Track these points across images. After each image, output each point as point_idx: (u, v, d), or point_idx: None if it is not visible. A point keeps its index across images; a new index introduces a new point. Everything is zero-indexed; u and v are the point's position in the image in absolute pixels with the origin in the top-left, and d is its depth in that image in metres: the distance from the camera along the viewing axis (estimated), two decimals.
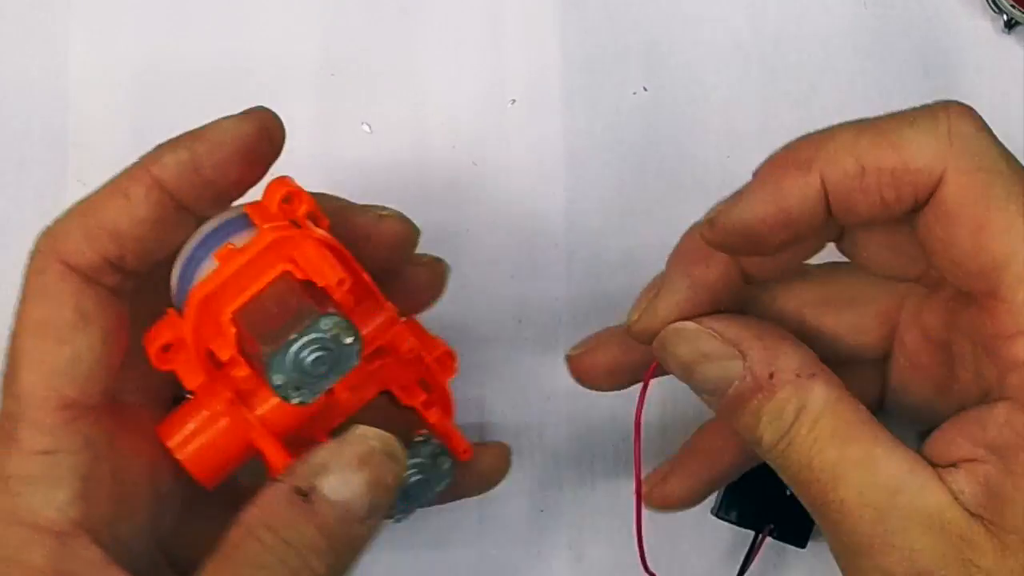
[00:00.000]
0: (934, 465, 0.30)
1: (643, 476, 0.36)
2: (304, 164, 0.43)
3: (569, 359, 0.37)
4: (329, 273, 0.30)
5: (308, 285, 0.31)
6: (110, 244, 0.31)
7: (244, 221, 0.32)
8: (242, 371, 0.31)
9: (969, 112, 0.30)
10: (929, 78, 0.44)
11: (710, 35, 0.45)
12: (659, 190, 0.43)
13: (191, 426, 0.32)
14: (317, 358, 0.29)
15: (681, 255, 0.33)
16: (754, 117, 0.44)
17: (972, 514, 0.29)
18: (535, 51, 0.44)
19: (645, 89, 0.44)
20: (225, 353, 0.31)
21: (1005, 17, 0.44)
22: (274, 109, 0.44)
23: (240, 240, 0.31)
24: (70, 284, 0.30)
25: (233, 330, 0.30)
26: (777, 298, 0.35)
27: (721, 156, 0.44)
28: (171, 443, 0.32)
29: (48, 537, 0.29)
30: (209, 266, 0.31)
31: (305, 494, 0.30)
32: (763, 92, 0.44)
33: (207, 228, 0.32)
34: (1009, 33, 0.44)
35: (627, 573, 0.42)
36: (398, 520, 0.34)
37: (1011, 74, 0.44)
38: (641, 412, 0.34)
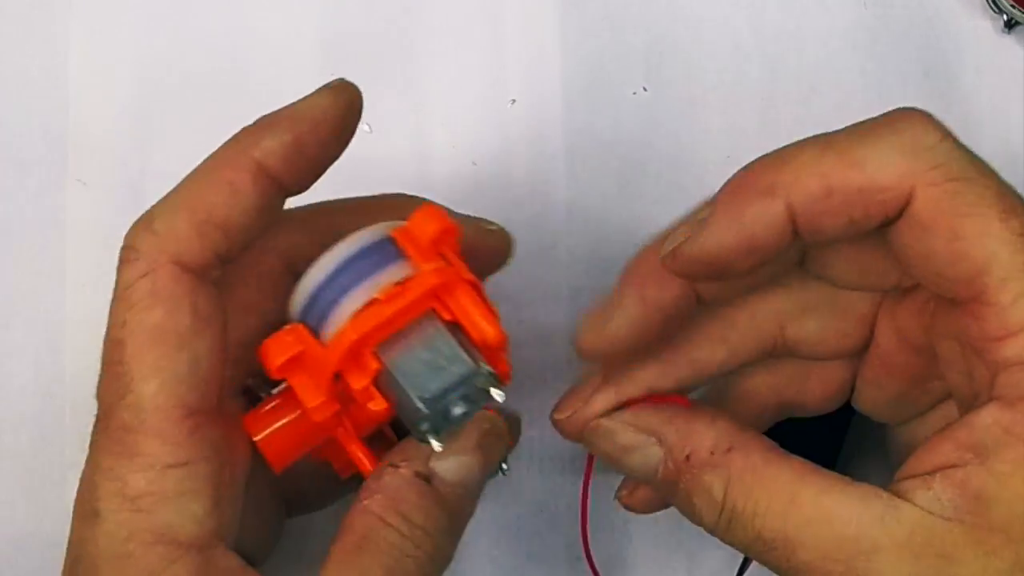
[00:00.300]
0: (915, 476, 0.29)
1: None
2: None
3: (557, 423, 0.35)
4: (486, 329, 0.30)
5: (453, 326, 0.30)
6: (221, 239, 0.29)
7: (394, 250, 0.31)
8: (365, 398, 0.30)
9: (930, 120, 0.30)
10: (929, 78, 0.44)
11: (710, 35, 0.45)
12: (659, 190, 0.44)
13: (273, 415, 0.32)
14: (464, 412, 0.30)
15: (634, 275, 0.33)
16: (754, 117, 0.44)
17: (950, 519, 0.28)
18: (535, 51, 0.44)
19: (645, 89, 0.44)
20: (359, 383, 0.30)
21: (1005, 17, 0.44)
22: (274, 109, 0.44)
23: (394, 273, 0.30)
24: (184, 285, 0.29)
25: (375, 365, 0.30)
26: (756, 310, 0.34)
27: (721, 156, 0.44)
28: (254, 430, 0.31)
29: (191, 553, 0.28)
30: (359, 295, 0.30)
31: (427, 478, 0.30)
32: (763, 92, 0.44)
33: (351, 249, 0.31)
34: (1009, 33, 0.44)
35: (627, 573, 0.42)
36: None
37: (1011, 74, 0.44)
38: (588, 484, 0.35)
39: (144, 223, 0.30)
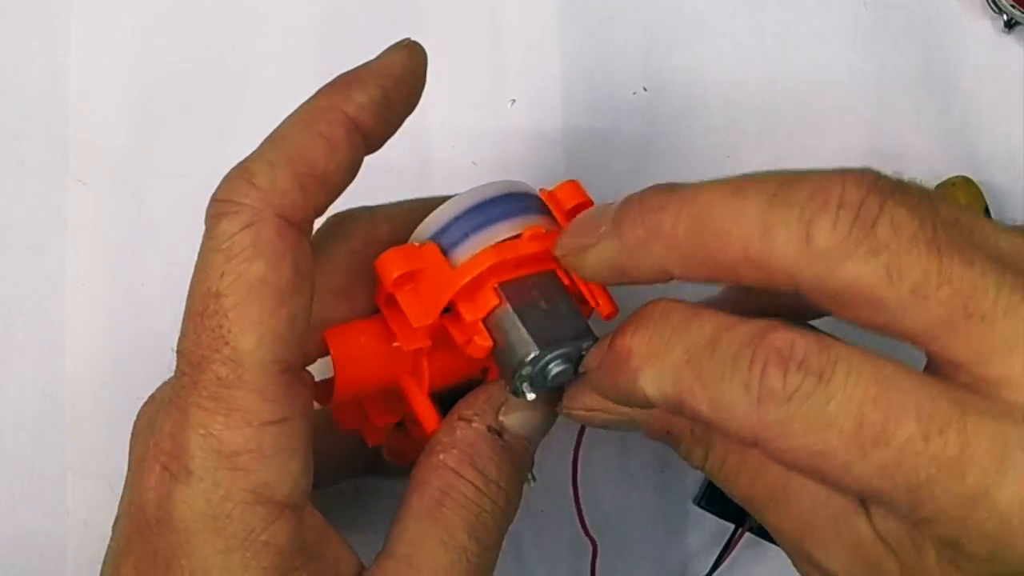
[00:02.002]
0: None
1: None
2: None
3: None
4: (604, 300, 0.31)
5: (570, 291, 0.31)
6: (321, 194, 0.29)
7: (540, 204, 0.32)
8: (464, 335, 0.30)
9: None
10: (929, 78, 0.44)
11: (710, 35, 0.45)
12: None
13: (355, 336, 0.31)
14: (561, 371, 0.30)
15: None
16: (754, 117, 0.44)
17: (887, 544, 0.28)
18: (535, 51, 0.44)
19: (645, 89, 0.44)
20: (473, 315, 0.30)
21: (1005, 17, 0.44)
22: (273, 109, 0.44)
23: (539, 222, 0.31)
24: (287, 240, 0.28)
25: (494, 301, 0.30)
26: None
27: (721, 156, 0.44)
28: (332, 339, 0.31)
29: (289, 513, 0.28)
30: (504, 228, 0.30)
31: (499, 432, 0.31)
32: (763, 92, 0.44)
33: (503, 188, 0.32)
34: (1009, 33, 0.44)
35: (628, 572, 0.42)
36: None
37: (1011, 74, 0.44)
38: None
39: (241, 176, 0.29)
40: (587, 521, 0.36)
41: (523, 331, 0.30)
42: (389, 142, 0.44)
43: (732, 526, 0.40)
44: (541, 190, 0.32)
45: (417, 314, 0.30)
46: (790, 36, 0.45)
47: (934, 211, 0.25)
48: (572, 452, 0.35)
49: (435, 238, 0.31)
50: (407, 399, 0.32)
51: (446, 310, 0.30)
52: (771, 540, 0.40)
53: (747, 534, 0.40)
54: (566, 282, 0.31)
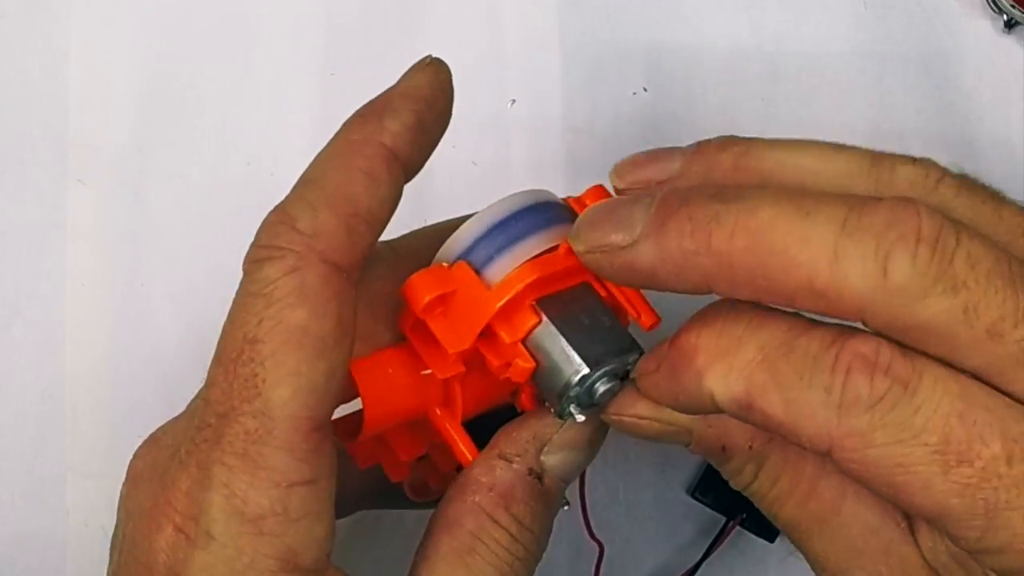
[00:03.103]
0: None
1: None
2: (304, 164, 0.44)
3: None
4: (644, 311, 0.29)
5: (608, 303, 0.29)
6: (367, 235, 0.27)
7: (570, 213, 0.30)
8: (502, 358, 0.29)
9: None
10: (929, 78, 0.44)
11: (710, 35, 0.45)
12: None
13: (383, 368, 0.29)
14: (608, 390, 0.29)
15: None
16: (754, 117, 0.44)
17: (936, 573, 0.28)
18: (535, 51, 0.44)
19: (645, 89, 0.44)
20: (513, 336, 0.28)
21: (1005, 17, 0.44)
22: (274, 109, 0.44)
23: (566, 232, 0.29)
24: (332, 287, 0.26)
25: (533, 320, 0.28)
26: None
27: None
28: (360, 374, 0.29)
29: None
30: (536, 243, 0.29)
31: (539, 476, 0.29)
32: (763, 92, 0.44)
33: (530, 199, 0.30)
34: (1009, 33, 0.44)
35: (627, 571, 0.42)
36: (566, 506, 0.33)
37: (1011, 74, 0.44)
38: None
39: (281, 221, 0.27)
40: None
41: (569, 350, 0.28)
42: None
43: (723, 519, 0.41)
44: (567, 198, 0.31)
45: (451, 340, 0.28)
46: (790, 36, 0.45)
47: (1008, 246, 0.25)
48: None
49: (465, 256, 0.29)
50: (438, 430, 0.30)
51: (481, 333, 0.29)
52: (760, 535, 0.41)
53: (737, 528, 0.40)
54: (603, 294, 0.29)
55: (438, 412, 0.30)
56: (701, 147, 0.29)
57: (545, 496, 0.29)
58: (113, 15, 0.44)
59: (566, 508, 0.32)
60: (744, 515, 0.40)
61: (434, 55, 0.30)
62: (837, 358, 0.24)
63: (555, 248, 0.29)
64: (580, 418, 0.29)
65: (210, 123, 0.44)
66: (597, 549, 0.35)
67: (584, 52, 0.44)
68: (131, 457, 0.29)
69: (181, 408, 0.43)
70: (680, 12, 0.45)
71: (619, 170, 0.31)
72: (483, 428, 0.31)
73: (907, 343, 0.25)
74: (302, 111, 0.44)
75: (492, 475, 0.29)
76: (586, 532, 0.35)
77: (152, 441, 0.29)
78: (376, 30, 0.44)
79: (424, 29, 0.45)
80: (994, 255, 0.24)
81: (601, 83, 0.44)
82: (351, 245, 0.27)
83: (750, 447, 0.30)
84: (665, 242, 0.26)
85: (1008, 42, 0.45)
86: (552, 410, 0.29)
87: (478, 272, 0.28)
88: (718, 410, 0.26)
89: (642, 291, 0.30)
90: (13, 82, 0.44)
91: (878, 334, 0.25)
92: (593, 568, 0.36)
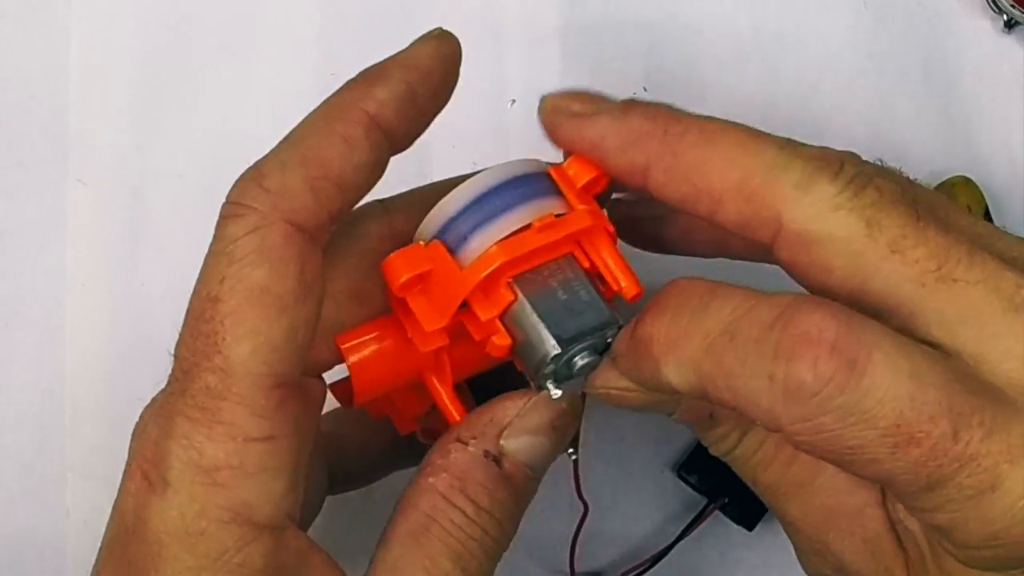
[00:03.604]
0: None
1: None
2: None
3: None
4: (626, 282, 0.29)
5: (590, 274, 0.29)
6: (336, 197, 0.27)
7: (550, 185, 0.30)
8: (481, 332, 0.29)
9: None
10: (929, 78, 0.44)
11: (710, 35, 0.45)
12: None
13: (370, 340, 0.29)
14: (588, 363, 0.29)
15: None
16: (754, 117, 0.44)
17: (897, 539, 0.28)
18: (535, 51, 0.44)
19: (645, 89, 0.44)
20: (488, 313, 0.28)
21: (1005, 17, 0.44)
22: (274, 109, 0.44)
23: (549, 206, 0.29)
24: (294, 247, 0.26)
25: (509, 297, 0.28)
26: None
27: None
28: (346, 346, 0.29)
29: (266, 534, 0.26)
30: (511, 220, 0.29)
31: (497, 459, 0.29)
32: (763, 92, 0.44)
33: (508, 172, 0.29)
34: (1009, 33, 0.44)
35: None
36: (572, 455, 0.33)
37: (1011, 74, 0.44)
38: None
39: (252, 178, 0.27)
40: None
41: (542, 328, 0.28)
42: None
43: (704, 501, 0.41)
44: (550, 166, 0.30)
45: (429, 318, 0.29)
46: (790, 36, 0.45)
47: (915, 190, 0.27)
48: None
49: (440, 236, 0.29)
50: (430, 394, 0.31)
51: (461, 307, 0.29)
52: (742, 523, 0.41)
53: (718, 512, 0.40)
54: (586, 264, 0.29)
55: (429, 376, 0.31)
56: (629, 102, 0.30)
57: (507, 482, 0.29)
58: (113, 15, 0.44)
59: (573, 457, 0.32)
60: (726, 499, 0.40)
61: (444, 28, 0.31)
62: (779, 342, 0.24)
63: (531, 225, 0.29)
64: (556, 393, 0.29)
65: (210, 123, 0.44)
66: (582, 509, 0.34)
67: (584, 52, 0.44)
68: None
69: None
70: (680, 12, 0.45)
71: (550, 115, 0.31)
72: (489, 382, 0.31)
73: (814, 269, 0.26)
74: (302, 111, 0.44)
75: (447, 457, 0.29)
76: (575, 490, 0.34)
77: (151, 402, 0.29)
78: (376, 30, 0.44)
79: (424, 29, 0.45)
80: (901, 188, 0.26)
81: (601, 83, 0.44)
82: (316, 207, 0.27)
83: (738, 416, 0.29)
84: (625, 118, 0.28)
85: (1008, 42, 0.45)
86: (532, 384, 0.29)
87: (453, 252, 0.29)
88: (682, 394, 0.27)
89: (627, 261, 0.30)
90: (13, 82, 0.44)
91: (795, 278, 0.27)
92: (575, 527, 0.35)
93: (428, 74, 0.29)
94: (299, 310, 0.27)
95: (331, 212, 0.27)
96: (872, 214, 0.26)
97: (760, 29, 0.45)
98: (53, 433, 0.42)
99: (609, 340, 0.29)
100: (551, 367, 0.28)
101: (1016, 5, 0.43)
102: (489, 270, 0.28)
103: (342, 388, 0.31)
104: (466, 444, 0.29)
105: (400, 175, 0.43)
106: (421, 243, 0.29)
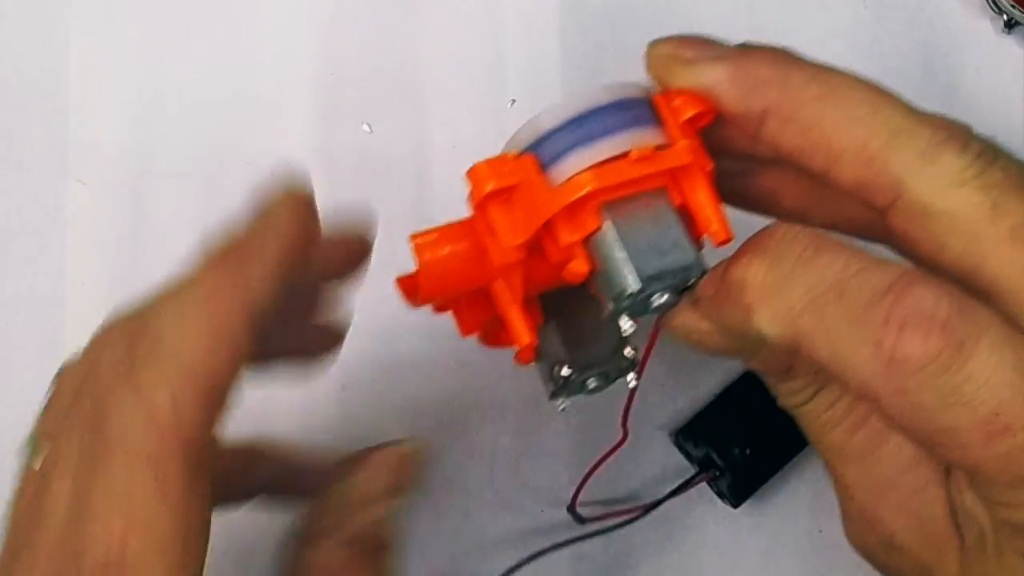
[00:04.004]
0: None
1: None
2: (304, 164, 0.44)
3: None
4: (718, 226, 0.28)
5: (681, 212, 0.28)
6: (222, 403, 0.26)
7: (652, 113, 0.28)
8: (560, 255, 0.28)
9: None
10: (929, 78, 0.44)
11: (710, 35, 0.44)
12: None
13: (444, 240, 0.29)
14: (665, 303, 0.28)
15: None
16: None
17: (955, 524, 0.28)
18: (535, 51, 0.44)
19: None
20: (571, 237, 0.27)
21: (1005, 17, 0.44)
22: (274, 109, 0.44)
23: (650, 136, 0.28)
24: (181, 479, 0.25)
25: (595, 224, 0.27)
26: None
27: None
28: (418, 243, 0.29)
29: None
30: (610, 145, 0.27)
31: (366, 540, 0.29)
32: None
33: (612, 95, 0.28)
34: (1009, 33, 0.44)
35: (626, 571, 0.42)
36: (563, 410, 0.32)
37: (1011, 74, 0.44)
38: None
39: (125, 375, 0.25)
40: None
41: (626, 261, 0.27)
42: (387, 142, 0.44)
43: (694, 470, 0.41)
44: (654, 94, 0.29)
45: (509, 232, 0.28)
46: (790, 36, 0.44)
47: None
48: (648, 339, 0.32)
49: (534, 148, 0.28)
50: (497, 308, 0.30)
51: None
52: (728, 499, 0.41)
53: (705, 485, 0.40)
54: (678, 202, 0.28)
55: (498, 287, 0.30)
56: (746, 48, 0.29)
57: (380, 549, 0.29)
58: (113, 15, 0.44)
59: (632, 385, 0.31)
60: (717, 473, 0.40)
61: (290, 175, 0.28)
62: (891, 310, 0.24)
63: (629, 154, 0.27)
64: (629, 327, 0.28)
65: (210, 123, 0.44)
66: (620, 436, 0.34)
67: (584, 52, 0.44)
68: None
69: None
70: (680, 12, 0.45)
71: (662, 63, 0.30)
72: (560, 302, 0.31)
73: (930, 243, 0.26)
74: (302, 111, 0.44)
75: (316, 560, 0.29)
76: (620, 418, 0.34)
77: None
78: (376, 30, 0.44)
79: (424, 29, 0.45)
80: (1022, 171, 0.26)
81: (601, 83, 0.44)
82: (205, 420, 0.25)
83: (816, 372, 0.29)
84: (744, 63, 0.28)
85: (1008, 42, 0.45)
86: (605, 310, 0.28)
87: (544, 168, 0.28)
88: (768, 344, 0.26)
89: (720, 205, 0.29)
90: (13, 82, 0.44)
91: (903, 249, 0.26)
92: (601, 455, 0.36)
93: (294, 244, 0.27)
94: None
95: (220, 419, 0.26)
96: (997, 196, 0.25)
97: (760, 29, 0.45)
98: None
99: (691, 282, 0.28)
100: (627, 302, 0.27)
101: (1016, 5, 0.43)
102: (579, 195, 0.27)
103: (407, 283, 0.30)
104: (332, 537, 0.29)
105: (400, 176, 0.44)
106: (511, 153, 0.28)
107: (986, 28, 0.45)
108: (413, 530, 0.39)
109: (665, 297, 0.28)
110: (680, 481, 0.40)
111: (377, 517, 0.29)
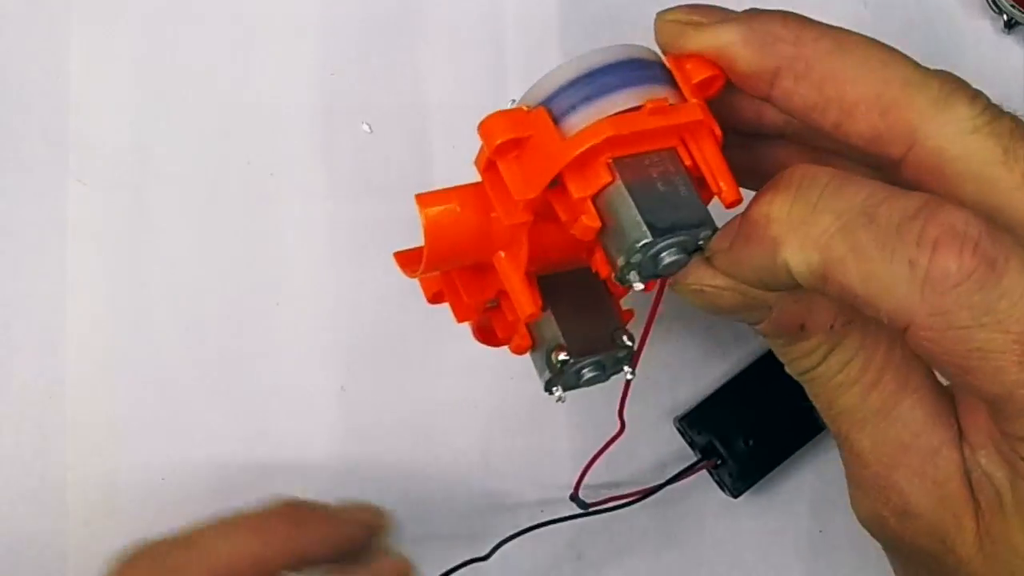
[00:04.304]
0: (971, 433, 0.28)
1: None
2: (304, 164, 0.44)
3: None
4: (727, 187, 0.28)
5: (690, 172, 0.28)
6: None
7: (665, 73, 0.29)
8: (570, 213, 0.28)
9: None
10: None
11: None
12: None
13: (450, 198, 0.29)
14: (674, 262, 0.27)
15: None
16: None
17: (970, 487, 0.27)
18: (535, 51, 0.44)
19: None
20: (582, 192, 0.27)
21: (1005, 17, 0.44)
22: (274, 109, 0.44)
23: (662, 93, 0.28)
24: None
25: (606, 178, 0.27)
26: None
27: None
28: (423, 200, 0.29)
29: None
30: (623, 98, 0.27)
31: None
32: None
33: (626, 52, 0.28)
34: (1009, 33, 0.44)
35: (627, 571, 0.42)
36: (560, 400, 0.32)
37: (1011, 74, 0.44)
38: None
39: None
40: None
41: (637, 214, 0.27)
42: (388, 142, 0.44)
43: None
44: (668, 55, 0.29)
45: (520, 186, 0.27)
46: None
47: None
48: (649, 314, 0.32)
49: (546, 103, 0.28)
50: (501, 276, 0.30)
51: (552, 183, 0.28)
52: (727, 489, 0.41)
53: (705, 472, 0.40)
54: (687, 163, 0.28)
55: (503, 256, 0.29)
56: (754, 11, 0.29)
57: None
58: (113, 15, 0.44)
59: (628, 378, 0.32)
60: (719, 462, 0.40)
61: (377, 508, 0.34)
62: (923, 229, 0.24)
63: (643, 107, 0.27)
64: (639, 286, 0.28)
65: (210, 123, 0.44)
66: (618, 428, 0.34)
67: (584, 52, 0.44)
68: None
69: (180, 409, 0.44)
70: None
71: (672, 28, 0.30)
72: (557, 290, 0.31)
73: (945, 186, 0.26)
74: (302, 111, 0.44)
75: None
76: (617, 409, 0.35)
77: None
78: (376, 30, 0.44)
79: (424, 29, 0.45)
80: None
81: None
82: None
83: (831, 327, 0.29)
84: (755, 23, 0.28)
85: (1008, 42, 0.45)
86: (613, 274, 0.28)
87: (557, 121, 0.28)
88: (795, 284, 0.26)
89: (728, 167, 0.28)
90: (13, 82, 0.44)
91: (919, 185, 0.26)
92: (603, 444, 0.36)
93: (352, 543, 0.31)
94: None
95: None
96: (1009, 143, 0.26)
97: None
98: (53, 433, 0.42)
99: (700, 242, 0.28)
100: (638, 256, 0.27)
101: (1016, 5, 0.43)
102: (593, 142, 0.27)
103: (404, 257, 0.30)
104: None
105: (400, 176, 0.44)
106: (524, 107, 0.28)
107: (986, 28, 0.45)
108: (412, 532, 0.39)
109: (675, 255, 0.27)
110: (682, 467, 0.40)
111: None
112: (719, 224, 0.28)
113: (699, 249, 0.28)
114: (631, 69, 0.28)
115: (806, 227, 0.25)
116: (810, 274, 0.25)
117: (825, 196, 0.25)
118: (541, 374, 0.30)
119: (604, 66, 0.28)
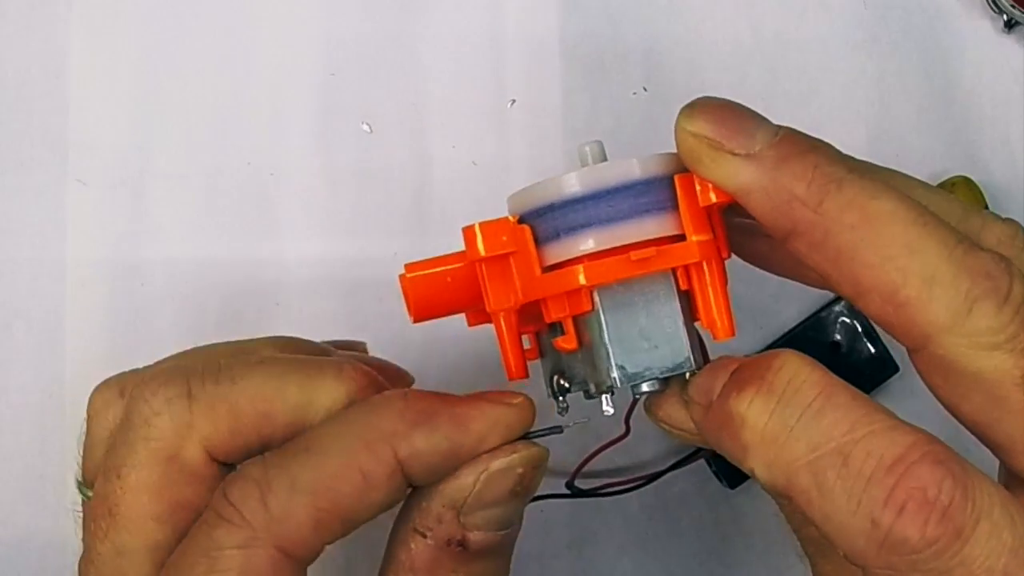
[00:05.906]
0: None
1: None
2: (304, 164, 0.44)
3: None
4: (721, 323, 0.27)
5: (685, 296, 0.27)
6: (338, 530, 0.27)
7: (669, 197, 0.27)
8: (552, 317, 0.27)
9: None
10: (929, 78, 0.44)
11: (710, 35, 0.44)
12: None
13: (444, 280, 0.29)
14: (652, 391, 0.27)
15: None
16: None
17: None
18: (535, 51, 0.44)
19: (645, 89, 0.44)
20: (559, 314, 0.27)
21: (1005, 17, 0.44)
22: (274, 109, 0.44)
23: (658, 226, 0.27)
24: (283, 573, 0.26)
25: (586, 307, 0.27)
26: None
27: None
28: (408, 266, 0.29)
29: None
30: (611, 235, 0.26)
31: (462, 544, 0.27)
32: (763, 92, 0.44)
33: (622, 174, 0.27)
34: (1009, 33, 0.44)
35: (622, 560, 0.42)
36: (565, 408, 0.31)
37: (1011, 74, 0.44)
38: None
39: (257, 487, 0.26)
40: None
41: (610, 353, 0.26)
42: (387, 142, 0.44)
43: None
44: (681, 175, 0.27)
45: (497, 298, 0.28)
46: (790, 36, 0.45)
47: None
48: None
49: (531, 220, 0.27)
50: (495, 331, 0.29)
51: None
52: (724, 480, 0.41)
53: (704, 463, 0.41)
54: (683, 286, 0.27)
55: (497, 320, 0.29)
56: (785, 147, 0.26)
57: (478, 558, 0.28)
58: (113, 15, 0.44)
59: (610, 413, 0.30)
60: (715, 452, 0.40)
61: (526, 396, 0.28)
62: (894, 489, 0.23)
63: (637, 244, 0.26)
64: (609, 410, 0.27)
65: (210, 123, 0.44)
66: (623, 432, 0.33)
67: (584, 52, 0.44)
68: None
69: None
70: (680, 12, 0.45)
71: (692, 148, 0.27)
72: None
73: (949, 392, 0.24)
74: (302, 111, 0.44)
75: (409, 553, 0.28)
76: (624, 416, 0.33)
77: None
78: (376, 30, 0.44)
79: (424, 29, 0.45)
80: None
81: (601, 83, 0.44)
82: (314, 540, 0.26)
83: None
84: (778, 175, 0.25)
85: (1008, 42, 0.45)
86: (589, 388, 0.28)
87: (539, 242, 0.27)
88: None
89: (729, 297, 0.27)
90: (13, 82, 0.44)
91: (924, 381, 0.25)
92: (600, 444, 0.35)
93: (481, 441, 0.27)
94: None
95: (328, 541, 0.27)
96: None
97: (760, 30, 0.45)
98: (53, 433, 0.42)
99: (679, 373, 0.27)
100: (607, 393, 0.27)
101: (1016, 5, 0.43)
102: (570, 288, 0.26)
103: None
104: (425, 536, 0.28)
105: (401, 176, 0.44)
106: (510, 218, 0.28)
107: (986, 28, 0.45)
108: None
109: (651, 388, 0.27)
110: (679, 456, 0.40)
111: (478, 525, 0.28)
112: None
113: (681, 378, 0.27)
114: (627, 196, 0.27)
115: (777, 449, 0.24)
116: (773, 490, 0.25)
117: (804, 420, 0.24)
118: (547, 386, 0.29)
119: (596, 191, 0.27)
